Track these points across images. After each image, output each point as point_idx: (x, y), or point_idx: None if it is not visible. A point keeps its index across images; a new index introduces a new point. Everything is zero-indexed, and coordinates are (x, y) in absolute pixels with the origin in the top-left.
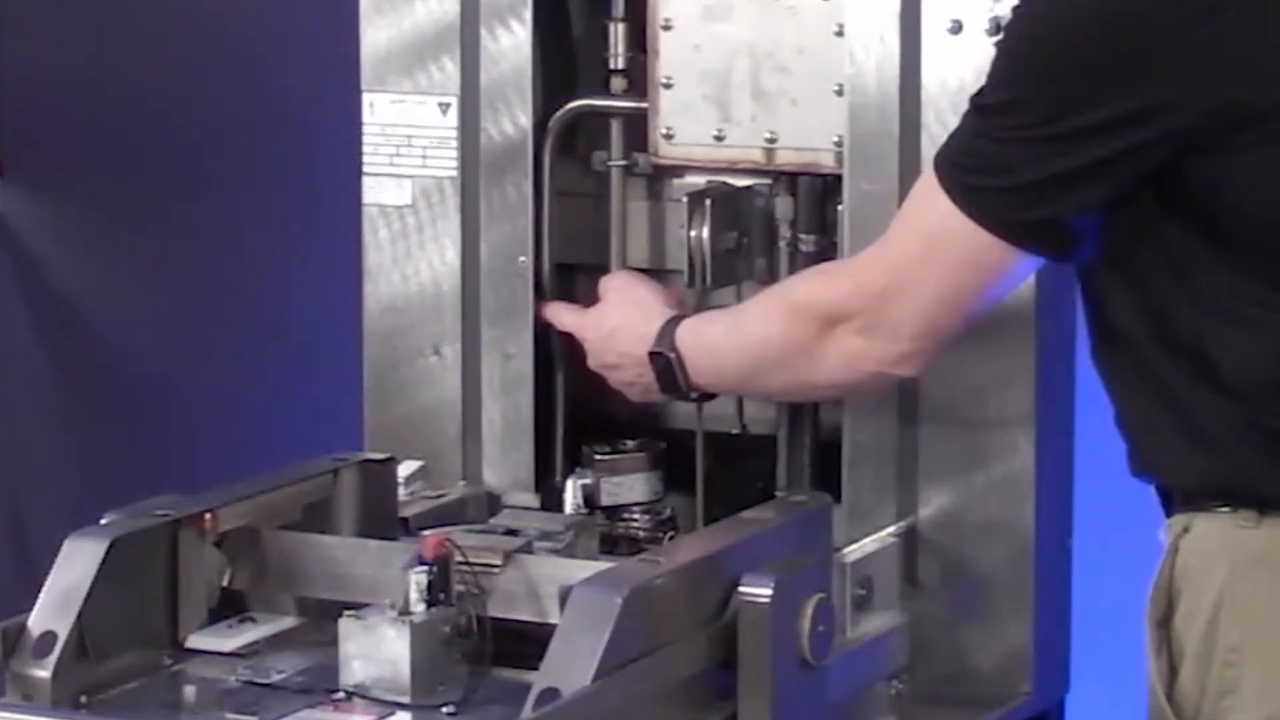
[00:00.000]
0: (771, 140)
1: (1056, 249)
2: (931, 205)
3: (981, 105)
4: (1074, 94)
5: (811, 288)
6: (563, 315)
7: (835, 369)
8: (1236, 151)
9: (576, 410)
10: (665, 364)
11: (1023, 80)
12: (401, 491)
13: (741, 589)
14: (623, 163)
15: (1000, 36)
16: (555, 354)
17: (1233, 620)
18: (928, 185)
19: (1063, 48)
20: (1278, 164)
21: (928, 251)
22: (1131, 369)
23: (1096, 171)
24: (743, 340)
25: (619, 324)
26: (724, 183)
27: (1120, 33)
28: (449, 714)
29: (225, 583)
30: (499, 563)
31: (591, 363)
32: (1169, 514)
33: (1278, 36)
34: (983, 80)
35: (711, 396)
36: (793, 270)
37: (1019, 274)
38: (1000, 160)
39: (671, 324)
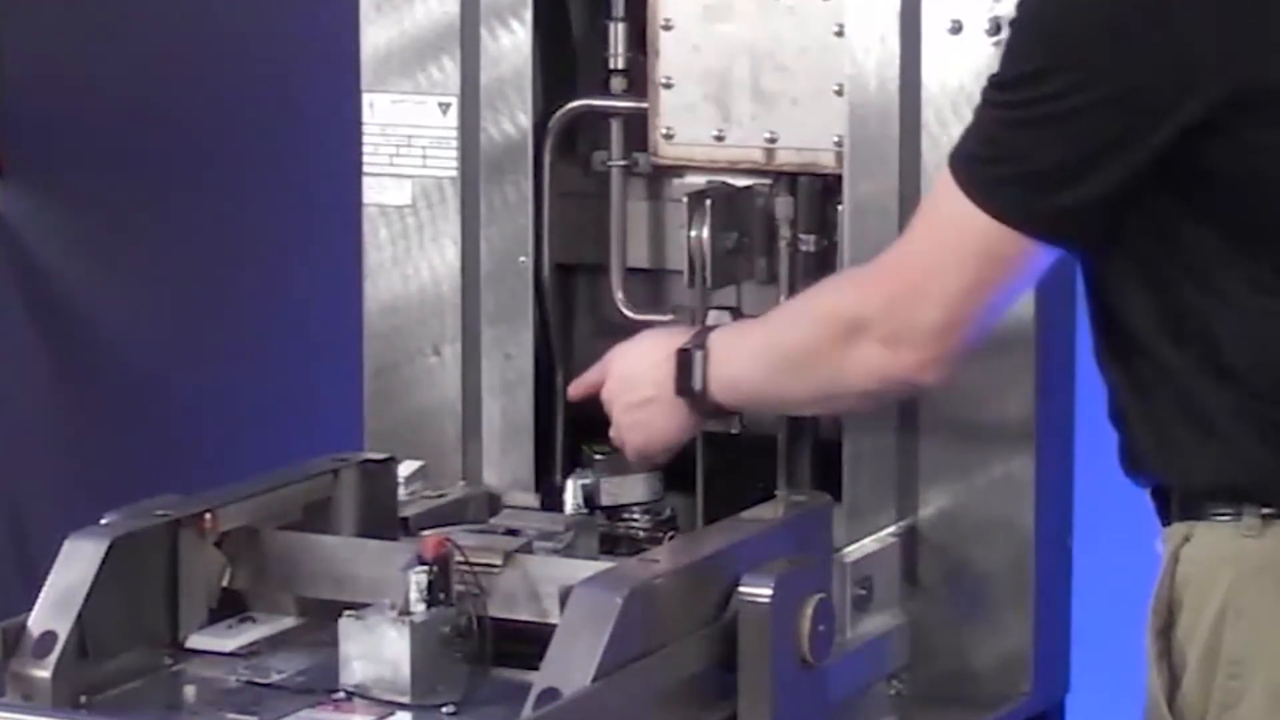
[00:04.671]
0: (771, 140)
1: (1073, 240)
2: (948, 203)
3: (998, 82)
4: (1095, 62)
5: (834, 296)
6: (586, 380)
7: (858, 378)
8: (1252, 134)
9: (576, 410)
10: (687, 361)
11: (1043, 49)
12: (401, 491)
13: (741, 589)
14: (623, 163)
15: (1014, 14)
16: (555, 354)
17: (1237, 632)
18: (944, 184)
19: (1085, 14)
20: None
21: (945, 248)
22: (1140, 364)
23: (1112, 153)
24: (767, 344)
25: (641, 352)
26: (724, 183)
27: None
28: (449, 714)
29: (225, 583)
30: (499, 563)
31: (615, 400)
32: (1166, 522)
33: None
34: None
35: (724, 414)
36: (792, 271)
37: (1036, 268)
38: (1017, 146)
39: (704, 331)
